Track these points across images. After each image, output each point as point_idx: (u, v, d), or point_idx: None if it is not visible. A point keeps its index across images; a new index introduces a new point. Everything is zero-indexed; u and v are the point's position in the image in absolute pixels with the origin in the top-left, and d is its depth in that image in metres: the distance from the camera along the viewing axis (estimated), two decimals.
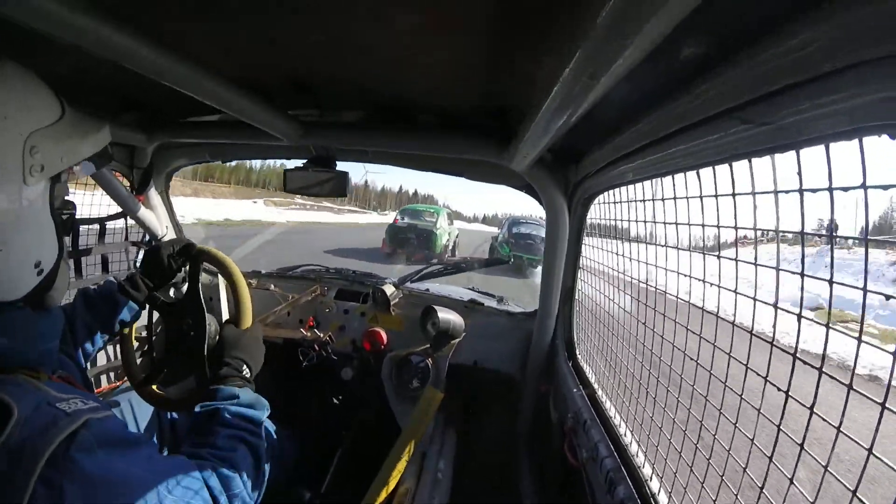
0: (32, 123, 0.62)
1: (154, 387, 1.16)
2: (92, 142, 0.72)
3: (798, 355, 0.58)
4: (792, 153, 0.53)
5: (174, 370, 1.15)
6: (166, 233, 1.81)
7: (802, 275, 0.60)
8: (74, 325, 1.06)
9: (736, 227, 0.68)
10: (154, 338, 1.21)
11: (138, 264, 1.11)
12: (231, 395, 0.87)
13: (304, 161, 1.41)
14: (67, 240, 0.76)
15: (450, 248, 12.76)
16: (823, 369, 0.54)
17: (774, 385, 0.63)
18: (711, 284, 0.77)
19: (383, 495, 1.28)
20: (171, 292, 1.17)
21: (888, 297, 0.53)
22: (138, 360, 1.22)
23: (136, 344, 1.24)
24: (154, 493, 0.59)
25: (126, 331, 1.20)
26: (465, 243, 16.21)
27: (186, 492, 0.66)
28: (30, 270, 0.65)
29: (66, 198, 0.74)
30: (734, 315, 0.71)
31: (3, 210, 0.60)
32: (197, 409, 0.86)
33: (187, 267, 1.14)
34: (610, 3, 0.40)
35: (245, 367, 0.96)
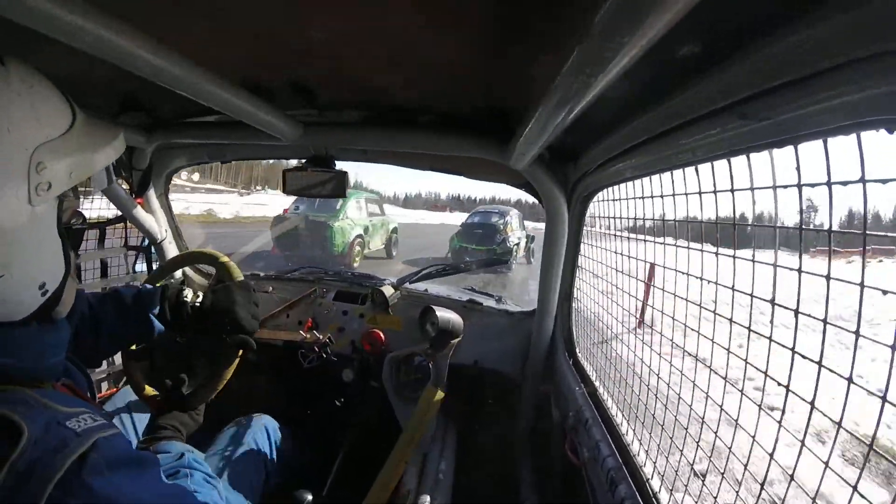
0: (39, 136, 0.56)
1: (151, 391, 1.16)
2: (106, 152, 0.67)
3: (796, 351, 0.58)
4: (790, 148, 0.53)
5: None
6: (165, 236, 1.81)
7: (800, 271, 0.60)
8: (100, 329, 1.01)
9: (734, 224, 0.69)
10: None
11: (197, 301, 1.10)
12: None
13: (304, 161, 1.41)
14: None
15: (360, 246, 9.84)
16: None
17: (774, 380, 0.63)
18: (709, 282, 0.77)
19: (385, 496, 1.28)
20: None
21: (885, 292, 0.53)
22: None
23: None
24: None
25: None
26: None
27: None
28: (34, 292, 0.61)
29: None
30: (731, 311, 0.71)
31: (6, 233, 0.55)
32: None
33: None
34: (608, 2, 0.40)
35: (177, 431, 1.01)
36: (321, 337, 1.81)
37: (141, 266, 1.89)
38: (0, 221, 0.54)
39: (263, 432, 1.34)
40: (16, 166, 0.54)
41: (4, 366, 0.59)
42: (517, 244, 11.46)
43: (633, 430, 1.10)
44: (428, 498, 1.28)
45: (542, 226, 1.61)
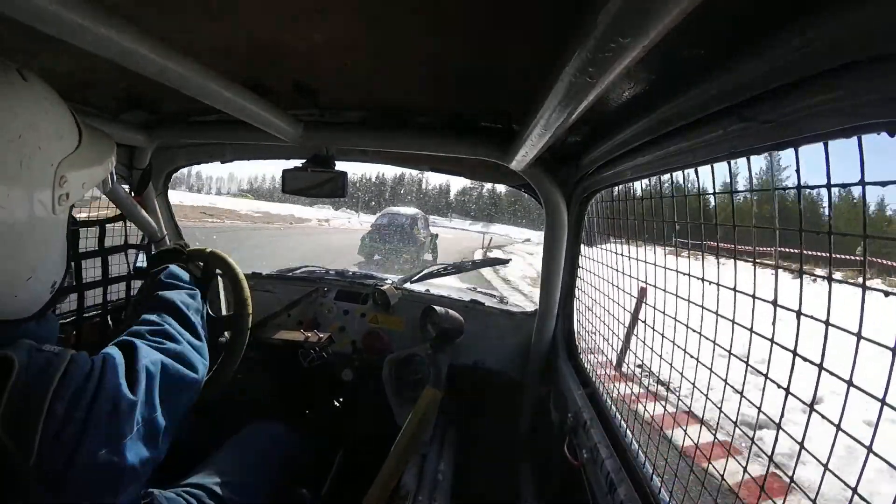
0: (61, 152, 0.62)
1: None
2: (106, 165, 0.74)
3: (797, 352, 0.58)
4: (791, 150, 0.53)
5: None
6: (165, 234, 1.80)
7: (801, 273, 0.60)
8: None
9: (734, 225, 0.69)
10: None
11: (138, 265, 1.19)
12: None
13: (304, 161, 1.41)
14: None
15: None
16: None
17: (774, 382, 0.63)
18: (710, 283, 0.77)
19: (384, 496, 1.28)
20: None
21: (887, 294, 0.53)
22: None
23: None
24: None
25: None
26: None
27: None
28: (47, 290, 0.68)
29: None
30: (733, 313, 0.71)
31: (35, 240, 0.61)
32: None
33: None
34: (609, 3, 0.40)
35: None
36: (322, 336, 1.81)
37: (142, 264, 1.89)
38: (33, 229, 0.60)
39: (265, 435, 1.35)
40: (45, 180, 0.61)
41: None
42: (423, 243, 13.18)
43: (633, 432, 1.09)
44: (427, 499, 1.28)
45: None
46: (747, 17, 0.49)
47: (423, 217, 14.11)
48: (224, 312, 1.63)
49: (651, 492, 0.93)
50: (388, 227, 13.01)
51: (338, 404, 1.88)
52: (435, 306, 1.70)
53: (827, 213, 0.53)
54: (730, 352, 0.72)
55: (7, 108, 0.56)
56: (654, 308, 0.98)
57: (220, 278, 1.56)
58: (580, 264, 1.50)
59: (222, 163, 1.80)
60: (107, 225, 1.70)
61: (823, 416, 0.56)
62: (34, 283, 0.63)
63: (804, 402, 0.58)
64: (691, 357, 0.84)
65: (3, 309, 0.62)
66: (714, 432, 0.76)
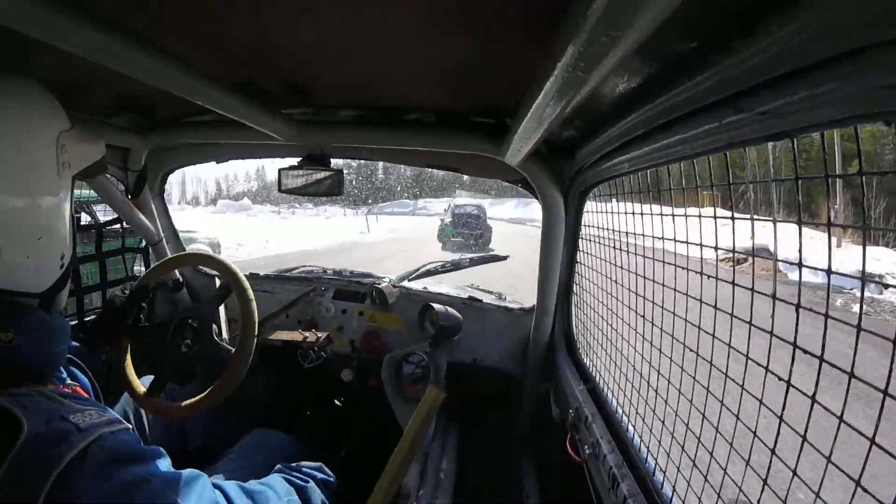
0: (60, 125, 0.70)
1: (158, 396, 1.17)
2: (98, 147, 0.81)
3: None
4: (787, 141, 0.53)
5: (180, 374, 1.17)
6: (163, 237, 1.80)
7: (800, 265, 0.59)
8: None
9: (733, 217, 0.68)
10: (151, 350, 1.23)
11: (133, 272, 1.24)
12: None
13: (299, 160, 1.41)
14: None
15: None
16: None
17: (775, 374, 0.63)
18: (709, 277, 0.77)
19: (389, 495, 1.28)
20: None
21: (886, 286, 0.53)
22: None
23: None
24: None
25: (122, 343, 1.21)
26: None
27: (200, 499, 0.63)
28: (57, 262, 0.70)
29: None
30: (732, 306, 0.71)
31: (42, 202, 0.65)
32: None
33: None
34: None
35: None
36: (320, 336, 1.81)
37: (139, 268, 1.89)
38: (38, 189, 0.65)
39: (270, 445, 1.35)
40: (49, 146, 0.67)
41: (19, 347, 0.60)
42: (491, 228, 16.60)
43: (635, 427, 1.09)
44: (430, 498, 1.28)
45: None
46: (740, 6, 0.48)
47: (483, 209, 17.62)
48: (223, 312, 1.62)
49: (654, 487, 0.92)
50: (466, 216, 16.33)
51: (338, 404, 1.88)
52: (433, 304, 1.70)
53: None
54: (729, 345, 0.72)
55: (9, 79, 0.64)
56: (654, 302, 0.97)
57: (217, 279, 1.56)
58: (578, 259, 1.49)
59: (218, 163, 1.79)
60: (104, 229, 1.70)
61: (826, 409, 0.56)
62: (44, 247, 0.66)
63: (806, 395, 0.58)
64: (691, 350, 0.84)
65: (15, 273, 0.62)
66: (716, 426, 0.76)
